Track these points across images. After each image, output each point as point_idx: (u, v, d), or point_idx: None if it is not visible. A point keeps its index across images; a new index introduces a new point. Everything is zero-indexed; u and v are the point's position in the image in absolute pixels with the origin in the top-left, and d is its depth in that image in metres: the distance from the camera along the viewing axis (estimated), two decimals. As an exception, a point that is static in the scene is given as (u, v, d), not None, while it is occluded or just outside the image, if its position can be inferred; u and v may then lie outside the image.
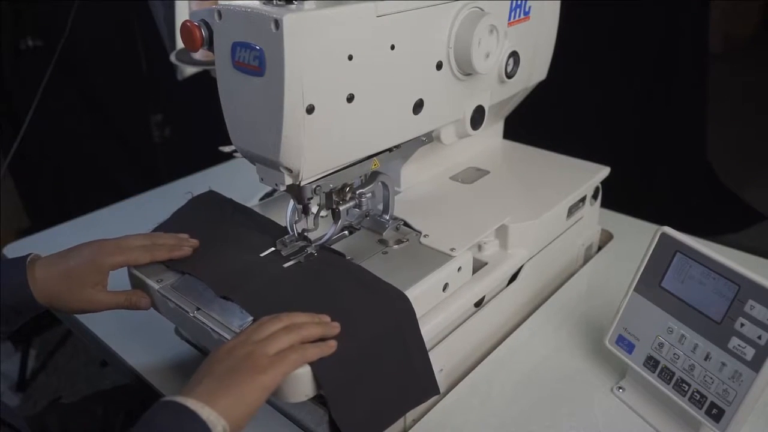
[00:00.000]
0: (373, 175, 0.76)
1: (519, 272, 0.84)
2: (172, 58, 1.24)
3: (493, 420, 0.71)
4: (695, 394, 0.65)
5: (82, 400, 0.93)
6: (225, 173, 1.37)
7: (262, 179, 0.68)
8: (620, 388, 0.74)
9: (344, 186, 0.73)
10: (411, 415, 0.72)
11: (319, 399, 0.67)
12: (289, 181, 0.65)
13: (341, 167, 0.69)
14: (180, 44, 1.26)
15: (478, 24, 0.72)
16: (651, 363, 0.70)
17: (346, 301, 0.64)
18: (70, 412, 0.89)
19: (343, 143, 0.66)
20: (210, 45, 0.64)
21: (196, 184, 1.30)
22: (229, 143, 0.69)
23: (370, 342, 0.61)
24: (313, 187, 0.67)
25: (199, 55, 1.19)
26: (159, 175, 1.58)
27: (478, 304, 0.80)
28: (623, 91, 2.00)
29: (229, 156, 1.14)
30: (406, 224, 0.80)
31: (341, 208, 0.74)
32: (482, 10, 0.74)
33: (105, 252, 0.67)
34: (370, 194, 0.76)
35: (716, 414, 0.63)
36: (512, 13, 0.81)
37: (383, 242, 0.77)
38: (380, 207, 0.80)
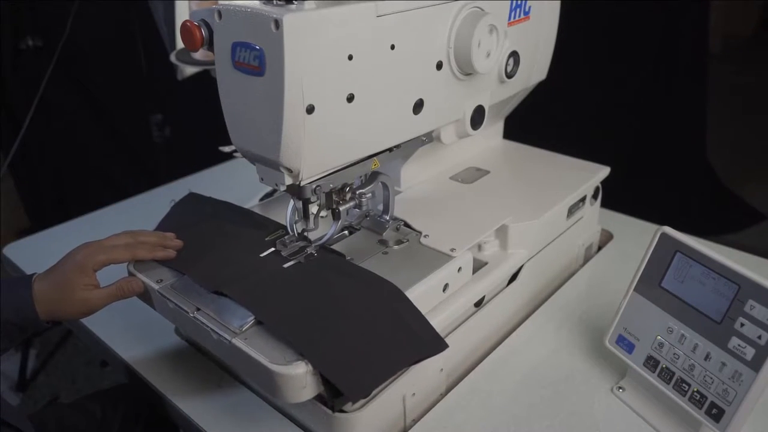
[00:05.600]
0: (373, 176, 0.76)
1: (519, 272, 0.84)
2: (172, 58, 1.24)
3: (493, 420, 0.71)
4: (695, 394, 0.65)
5: (80, 399, 0.93)
6: (225, 173, 1.37)
7: (262, 179, 0.68)
8: (620, 388, 0.74)
9: (344, 186, 0.73)
10: (411, 414, 0.72)
11: (320, 399, 0.67)
12: (289, 181, 0.65)
13: (341, 167, 0.69)
14: (180, 44, 1.26)
15: (478, 24, 0.72)
16: (651, 363, 0.70)
17: (337, 295, 0.65)
18: (68, 412, 0.89)
19: (343, 143, 0.66)
20: (210, 45, 0.64)
21: (196, 184, 1.31)
22: (229, 143, 0.69)
23: (355, 313, 0.63)
24: (313, 187, 0.67)
25: (199, 55, 1.19)
26: (159, 175, 1.58)
27: (478, 304, 0.80)
28: (623, 91, 2.00)
29: (229, 156, 1.14)
30: (406, 224, 0.80)
31: (341, 208, 0.74)
32: (482, 10, 0.74)
33: (88, 253, 0.68)
34: (370, 194, 0.76)
35: (716, 414, 0.63)
36: (512, 13, 0.81)
37: (383, 242, 0.77)
38: (380, 207, 0.80)
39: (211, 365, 0.81)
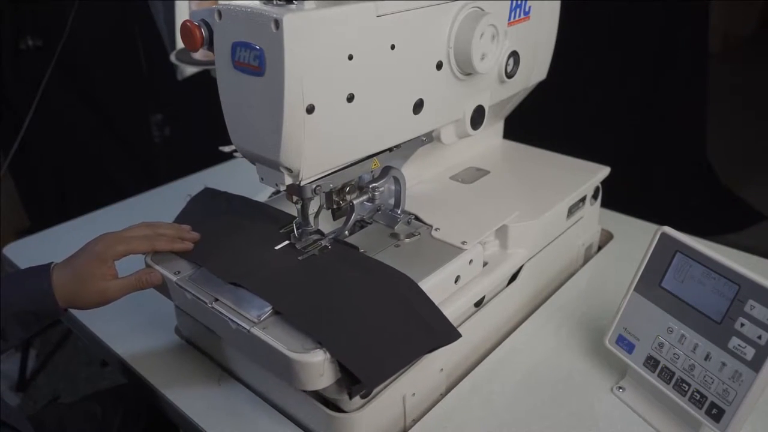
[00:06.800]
0: (386, 170, 0.77)
1: (519, 272, 0.84)
2: (172, 58, 1.24)
3: (493, 420, 0.71)
4: (695, 394, 0.65)
5: (80, 400, 0.93)
6: (225, 173, 1.37)
7: (262, 179, 0.68)
8: (620, 388, 0.74)
9: (344, 185, 0.74)
10: (411, 414, 0.72)
11: (321, 399, 0.67)
12: (289, 180, 0.65)
13: (341, 167, 0.69)
14: (180, 44, 1.26)
15: (478, 24, 0.72)
16: (651, 363, 0.70)
17: (352, 286, 0.66)
18: (68, 412, 0.89)
19: (343, 143, 0.66)
20: (210, 45, 0.64)
21: (195, 184, 1.30)
22: (229, 143, 0.69)
23: (370, 304, 0.64)
24: (313, 186, 0.67)
25: (199, 55, 1.19)
26: (159, 175, 1.58)
27: (478, 304, 0.80)
28: (623, 91, 2.00)
29: (229, 156, 1.14)
30: (417, 218, 0.81)
31: (355, 201, 0.75)
32: (482, 10, 0.74)
33: (107, 244, 0.69)
34: (383, 188, 0.77)
35: (716, 414, 0.63)
36: (512, 13, 0.81)
37: (395, 236, 0.78)
38: (391, 201, 0.81)
39: (210, 364, 0.81)
